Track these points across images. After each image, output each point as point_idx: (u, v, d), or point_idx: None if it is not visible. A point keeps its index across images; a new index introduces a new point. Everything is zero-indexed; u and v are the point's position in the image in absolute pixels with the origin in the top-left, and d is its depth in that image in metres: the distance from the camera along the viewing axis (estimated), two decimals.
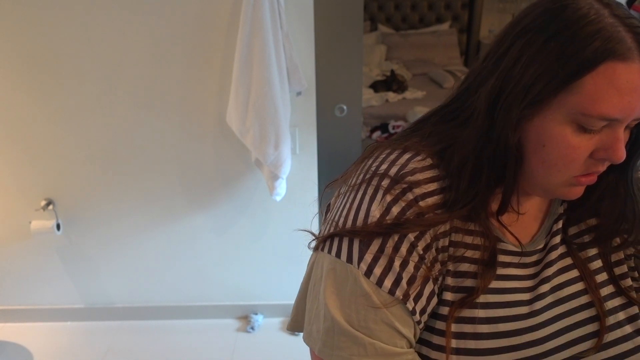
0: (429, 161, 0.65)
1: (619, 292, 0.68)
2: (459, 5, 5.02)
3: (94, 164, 2.11)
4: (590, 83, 0.54)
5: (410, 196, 0.62)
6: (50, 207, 2.17)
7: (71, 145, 2.08)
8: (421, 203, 0.62)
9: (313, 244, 0.69)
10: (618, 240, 0.70)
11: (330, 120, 2.18)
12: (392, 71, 4.31)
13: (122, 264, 2.31)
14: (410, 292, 0.61)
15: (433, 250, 0.62)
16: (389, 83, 4.19)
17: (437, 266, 0.63)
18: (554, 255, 0.68)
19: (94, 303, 2.40)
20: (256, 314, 2.39)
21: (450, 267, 0.63)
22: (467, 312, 0.63)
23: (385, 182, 0.63)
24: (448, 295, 0.64)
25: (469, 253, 0.64)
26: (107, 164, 2.11)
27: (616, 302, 0.68)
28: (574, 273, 0.69)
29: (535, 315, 0.64)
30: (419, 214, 0.61)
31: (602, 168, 0.61)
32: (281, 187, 1.96)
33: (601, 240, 0.70)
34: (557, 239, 0.69)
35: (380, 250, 0.61)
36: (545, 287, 0.66)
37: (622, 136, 0.58)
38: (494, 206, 0.65)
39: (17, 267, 2.32)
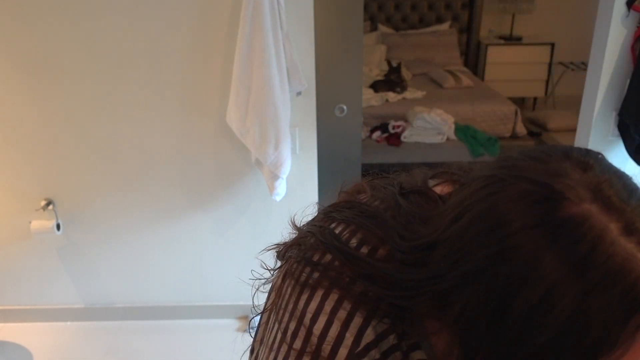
0: (384, 326, 0.51)
1: None
2: (459, 5, 5.02)
3: (93, 164, 2.11)
4: (617, 348, 0.38)
5: None
6: (50, 207, 2.17)
7: (71, 145, 2.08)
8: None
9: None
10: None
11: (330, 120, 2.18)
12: (388, 62, 4.31)
13: (122, 263, 2.31)
14: None
15: None
16: (390, 73, 4.20)
17: None
18: None
19: (94, 303, 2.40)
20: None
21: None
22: None
23: None
24: None
25: None
26: (107, 163, 2.11)
27: None
28: None
29: None
30: None
31: None
32: (281, 187, 1.96)
33: None
34: None
35: None
36: None
37: None
38: None
39: (17, 267, 2.32)
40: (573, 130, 2.15)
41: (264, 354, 0.57)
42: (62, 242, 2.27)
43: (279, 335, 0.55)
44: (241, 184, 2.15)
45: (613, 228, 0.37)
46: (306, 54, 1.94)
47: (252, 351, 0.63)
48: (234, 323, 2.39)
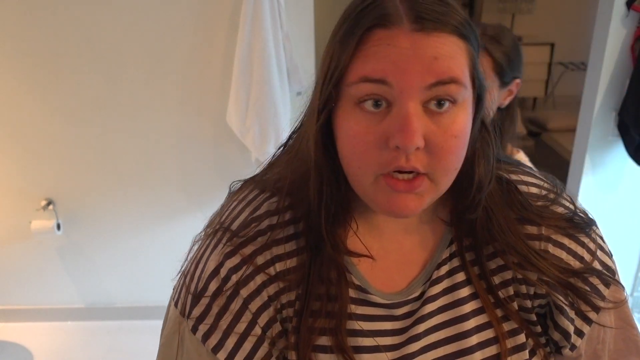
0: (282, 203, 0.60)
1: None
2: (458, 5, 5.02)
3: (94, 164, 2.11)
4: (354, 56, 0.50)
5: (246, 251, 0.58)
6: (50, 207, 2.17)
7: (71, 145, 2.08)
8: (259, 260, 0.58)
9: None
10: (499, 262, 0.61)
11: None
12: None
13: (122, 263, 2.31)
14: (235, 355, 0.56)
15: (271, 309, 0.58)
16: None
17: (277, 326, 0.58)
18: (429, 307, 0.59)
19: (94, 303, 2.40)
20: None
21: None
22: None
23: (225, 237, 0.60)
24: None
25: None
26: (107, 163, 2.11)
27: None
28: (452, 331, 0.60)
29: None
30: (254, 270, 0.58)
31: (404, 163, 0.49)
32: None
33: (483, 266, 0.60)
34: (438, 289, 0.60)
35: (209, 305, 0.58)
36: (413, 347, 0.58)
37: (412, 113, 0.47)
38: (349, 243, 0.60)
39: (17, 267, 2.32)
40: (573, 130, 2.15)
41: None
42: (62, 242, 2.27)
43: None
44: None
45: None
46: (306, 54, 1.94)
47: None
48: None
